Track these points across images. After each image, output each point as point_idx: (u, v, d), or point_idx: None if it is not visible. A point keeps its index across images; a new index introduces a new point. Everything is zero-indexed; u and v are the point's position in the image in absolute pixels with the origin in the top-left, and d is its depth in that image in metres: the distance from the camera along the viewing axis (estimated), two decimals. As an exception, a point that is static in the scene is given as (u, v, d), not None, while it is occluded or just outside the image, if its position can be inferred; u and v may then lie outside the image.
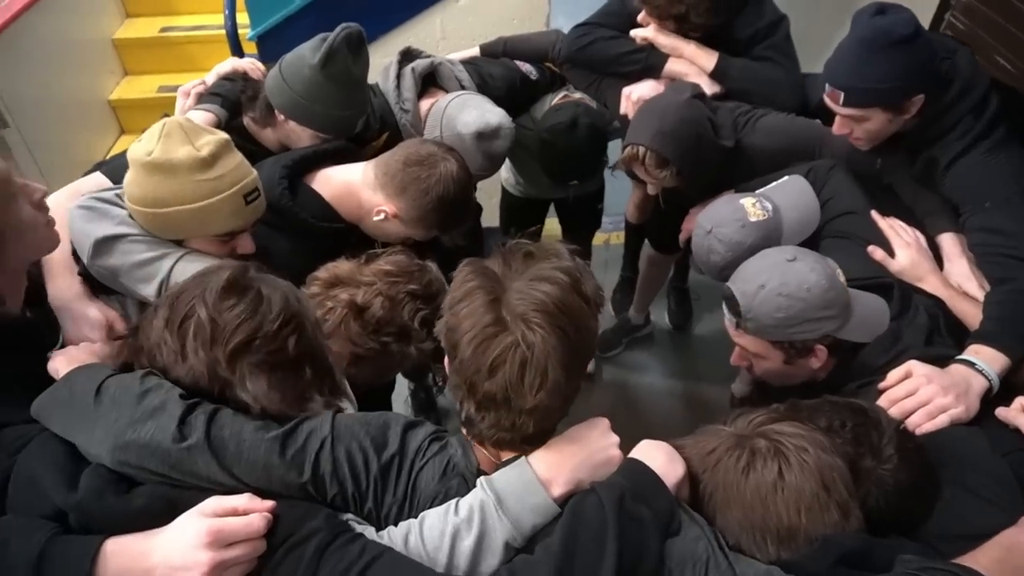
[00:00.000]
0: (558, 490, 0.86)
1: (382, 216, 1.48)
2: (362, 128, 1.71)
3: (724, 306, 1.37)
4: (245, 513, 0.82)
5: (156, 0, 3.27)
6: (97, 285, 1.28)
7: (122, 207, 1.27)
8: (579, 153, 1.92)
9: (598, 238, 3.09)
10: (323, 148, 1.57)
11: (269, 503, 0.84)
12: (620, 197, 2.69)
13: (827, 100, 1.42)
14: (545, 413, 0.87)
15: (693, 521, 0.87)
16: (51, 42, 2.81)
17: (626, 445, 0.95)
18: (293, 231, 1.45)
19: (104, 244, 1.23)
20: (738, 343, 1.38)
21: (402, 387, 2.56)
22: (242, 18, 2.31)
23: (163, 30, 3.20)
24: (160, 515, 0.83)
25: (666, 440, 0.96)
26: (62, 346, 1.18)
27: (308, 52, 1.52)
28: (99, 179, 1.40)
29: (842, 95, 1.38)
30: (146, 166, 1.20)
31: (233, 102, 1.62)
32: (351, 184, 1.51)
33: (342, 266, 1.30)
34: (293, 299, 0.96)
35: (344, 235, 1.50)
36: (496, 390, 0.85)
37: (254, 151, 1.57)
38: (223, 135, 1.28)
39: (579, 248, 0.94)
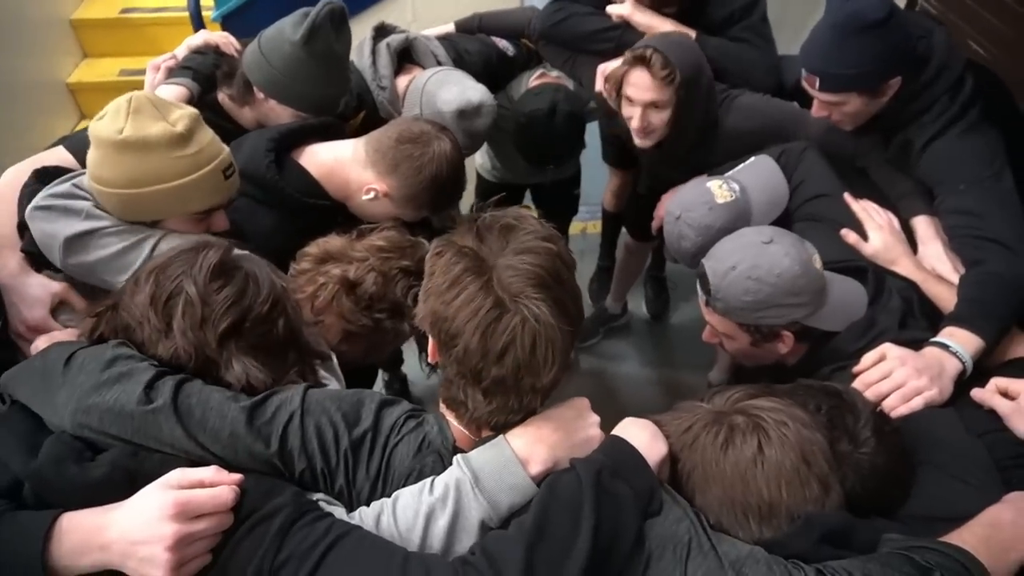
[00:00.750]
0: (536, 468, 0.84)
1: (372, 195, 1.44)
2: (340, 107, 1.66)
3: (697, 283, 1.36)
4: (212, 485, 0.78)
5: (116, -20, 3.16)
6: (43, 260, 1.22)
7: (84, 197, 1.20)
8: (557, 139, 1.90)
9: (575, 227, 3.08)
10: (310, 123, 1.52)
11: (237, 476, 0.80)
12: (597, 186, 2.67)
13: (804, 84, 1.41)
14: (554, 387, 0.87)
15: (675, 502, 0.85)
16: (5, 22, 2.70)
17: (605, 434, 0.92)
18: (277, 207, 1.41)
19: (75, 242, 1.17)
20: (708, 320, 1.38)
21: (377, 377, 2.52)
22: (206, 0, 2.23)
23: (123, 11, 3.08)
24: (121, 487, 0.79)
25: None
26: (4, 326, 1.13)
27: (289, 28, 1.47)
28: (61, 153, 1.35)
29: (818, 80, 1.37)
30: (118, 145, 1.14)
31: (206, 76, 1.56)
32: (341, 161, 1.47)
33: (333, 241, 1.28)
34: (277, 280, 0.96)
35: (330, 213, 1.46)
36: (507, 374, 0.83)
37: (229, 129, 1.53)
38: (192, 109, 1.23)
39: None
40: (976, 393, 1.14)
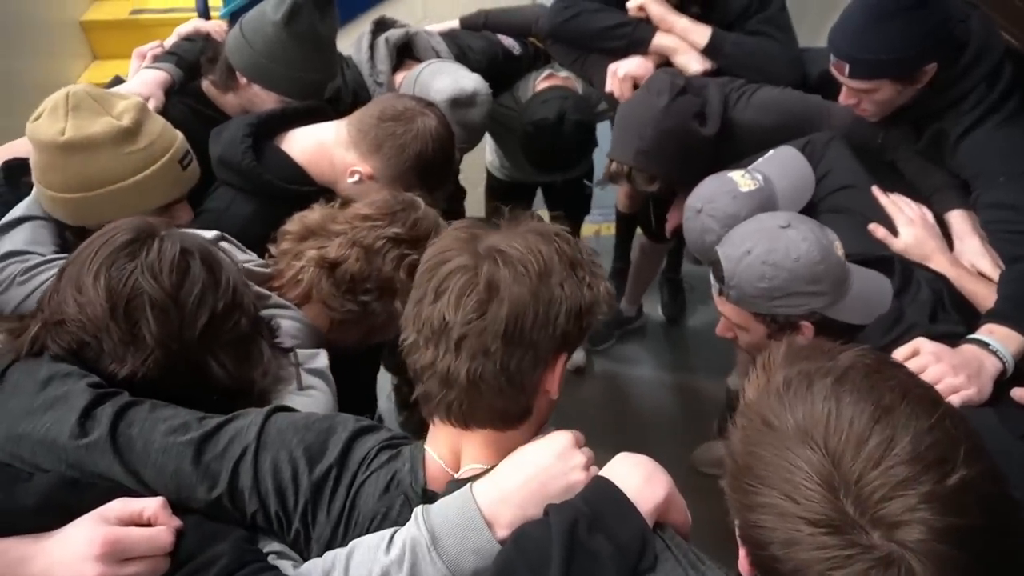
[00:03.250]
0: (502, 532, 0.72)
1: (356, 178, 1.37)
2: (332, 98, 1.60)
3: (710, 271, 1.30)
4: (151, 523, 0.70)
5: (127, -19, 3.16)
6: None
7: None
8: (565, 148, 1.84)
9: (588, 229, 3.02)
10: (293, 107, 1.46)
11: (178, 522, 0.72)
12: (610, 188, 2.62)
13: (833, 71, 1.33)
14: (477, 376, 0.74)
15: (677, 562, 0.70)
16: (14, 24, 2.70)
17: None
18: (257, 194, 1.35)
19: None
20: (722, 312, 1.32)
21: (385, 381, 2.47)
22: (214, 0, 2.21)
23: (133, 12, 3.08)
24: (53, 518, 0.71)
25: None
26: None
27: (271, 8, 1.42)
28: (28, 145, 1.28)
29: (847, 66, 1.29)
30: (61, 147, 1.08)
31: (190, 63, 1.52)
32: (323, 143, 1.40)
33: (313, 214, 1.15)
34: (224, 259, 0.88)
35: (315, 200, 1.37)
36: (434, 316, 0.74)
37: (214, 117, 1.48)
38: (136, 98, 1.16)
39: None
40: (1017, 392, 1.08)
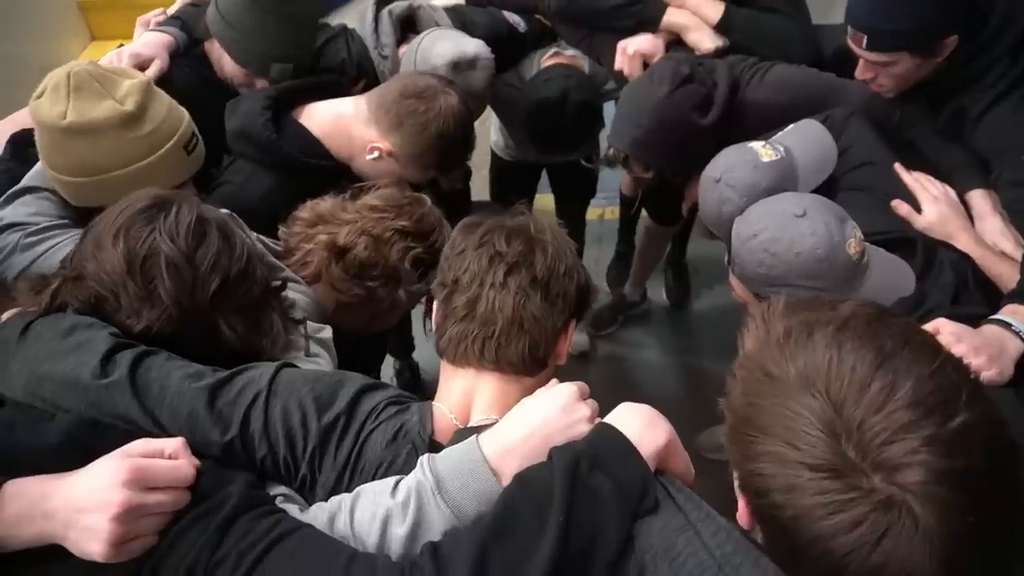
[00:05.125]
0: (507, 482, 0.73)
1: (375, 154, 1.36)
2: (336, 68, 1.59)
3: (726, 246, 1.30)
4: (174, 458, 0.71)
5: (125, -39, 3.11)
6: None
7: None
8: (569, 129, 1.81)
9: (592, 213, 2.99)
10: (310, 81, 1.45)
11: (196, 460, 0.74)
12: (615, 171, 2.58)
13: (850, 43, 1.30)
14: (521, 306, 0.85)
15: (678, 507, 0.71)
16: (12, 5, 2.67)
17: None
18: (276, 167, 1.34)
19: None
20: (731, 282, 1.31)
21: (387, 366, 2.46)
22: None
23: (132, -8, 3.04)
24: (75, 456, 0.72)
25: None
26: None
27: None
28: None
29: (865, 38, 1.25)
30: (63, 131, 1.05)
31: (195, 27, 1.49)
32: (342, 117, 1.39)
33: (324, 203, 1.19)
34: (241, 232, 0.93)
35: (333, 175, 1.38)
36: (483, 255, 0.88)
37: (219, 81, 1.47)
38: (142, 77, 1.13)
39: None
40: None
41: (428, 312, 0.96)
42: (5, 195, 1.14)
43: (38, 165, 1.18)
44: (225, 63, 1.48)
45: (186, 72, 1.45)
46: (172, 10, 1.57)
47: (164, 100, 1.15)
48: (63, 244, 1.07)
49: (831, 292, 1.15)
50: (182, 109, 1.19)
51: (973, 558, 0.54)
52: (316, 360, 1.03)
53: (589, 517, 0.68)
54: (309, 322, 1.07)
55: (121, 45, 1.54)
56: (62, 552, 0.68)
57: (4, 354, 0.82)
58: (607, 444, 0.72)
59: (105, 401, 0.78)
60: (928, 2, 1.21)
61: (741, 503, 0.67)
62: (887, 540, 0.54)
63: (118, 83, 1.09)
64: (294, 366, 0.87)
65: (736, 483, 0.67)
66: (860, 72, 1.34)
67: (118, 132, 1.07)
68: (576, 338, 3.00)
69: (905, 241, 1.25)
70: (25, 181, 1.16)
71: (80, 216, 1.13)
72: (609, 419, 0.76)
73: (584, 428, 0.76)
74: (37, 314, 0.86)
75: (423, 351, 2.50)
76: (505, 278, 0.86)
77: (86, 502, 0.67)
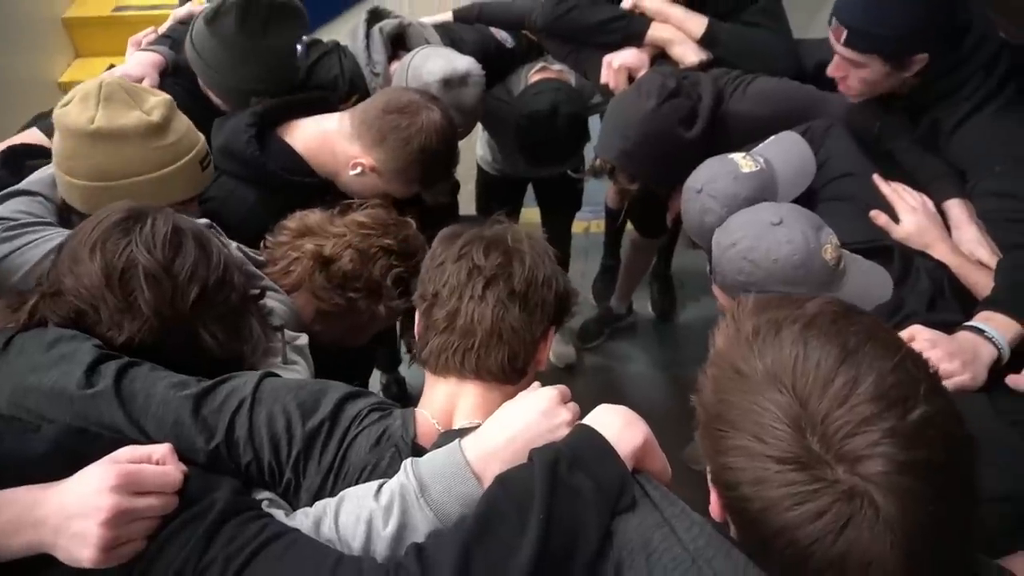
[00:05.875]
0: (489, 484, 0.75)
1: (359, 170, 1.37)
2: (328, 86, 1.60)
3: (707, 252, 1.32)
4: (161, 463, 0.72)
5: (109, -22, 3.12)
6: None
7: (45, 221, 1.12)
8: (559, 141, 1.83)
9: (578, 226, 3.01)
10: (297, 98, 1.47)
11: (184, 466, 0.75)
12: (600, 183, 2.60)
13: (830, 35, 1.33)
14: (499, 319, 0.87)
15: (654, 505, 0.72)
16: (-5, 20, 2.66)
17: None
18: (259, 184, 1.35)
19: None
20: (715, 292, 1.34)
21: (374, 380, 2.45)
22: (197, -6, 2.19)
23: (116, 9, 3.04)
24: (63, 465, 0.72)
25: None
26: None
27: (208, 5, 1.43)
28: (35, 135, 1.31)
29: (845, 33, 1.29)
30: (91, 136, 1.08)
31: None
32: (326, 134, 1.40)
33: (312, 216, 1.22)
34: (216, 241, 0.93)
35: (317, 191, 1.39)
36: (462, 268, 0.89)
37: (209, 98, 1.49)
38: (166, 96, 1.17)
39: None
40: (1012, 379, 1.08)
41: (404, 332, 0.98)
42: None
43: (36, 173, 1.19)
44: (210, 92, 1.50)
45: (176, 90, 1.45)
46: (162, 29, 1.60)
47: (184, 119, 1.19)
48: (42, 240, 1.07)
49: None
50: (199, 132, 1.23)
51: (933, 547, 0.56)
52: (293, 367, 1.05)
53: (569, 515, 0.69)
54: (286, 330, 1.09)
55: (111, 66, 1.56)
56: (53, 562, 0.68)
57: None
58: (586, 444, 0.74)
59: (91, 411, 0.79)
60: (911, 15, 1.24)
61: (713, 496, 0.69)
62: (850, 529, 0.56)
63: (145, 97, 1.14)
64: (277, 375, 0.88)
65: (708, 477, 0.68)
66: (832, 69, 1.37)
67: (142, 140, 1.11)
68: (563, 351, 3.01)
69: (883, 249, 1.28)
70: (22, 184, 1.17)
71: (68, 225, 1.13)
72: (588, 420, 0.78)
73: (565, 431, 0.77)
74: (16, 329, 0.86)
75: (409, 368, 2.50)
76: (483, 291, 0.88)
77: (76, 508, 0.67)
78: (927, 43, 1.26)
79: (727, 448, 0.62)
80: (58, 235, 1.07)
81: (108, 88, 1.10)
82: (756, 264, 1.18)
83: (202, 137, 1.23)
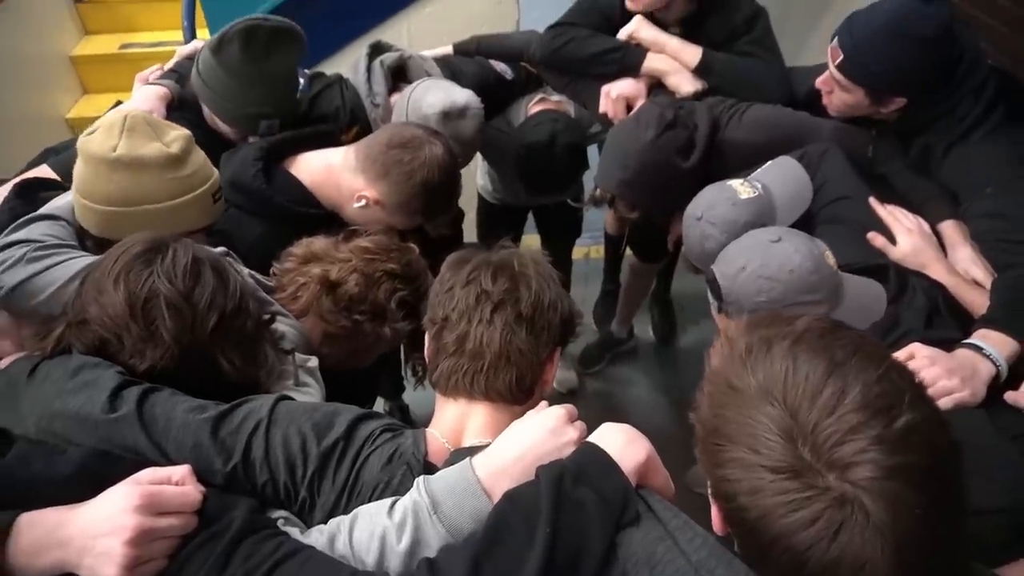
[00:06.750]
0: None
1: (363, 202, 1.41)
2: (330, 117, 1.65)
3: (708, 290, 1.32)
4: (180, 484, 0.75)
5: (115, 17, 3.19)
6: None
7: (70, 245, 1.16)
8: (558, 171, 1.87)
9: (578, 251, 3.03)
10: (303, 132, 1.51)
11: (203, 487, 0.78)
12: (599, 210, 2.63)
13: (828, 51, 1.38)
14: (508, 342, 0.90)
15: (657, 518, 0.74)
16: (6, 59, 2.72)
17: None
18: (266, 216, 1.39)
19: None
20: (721, 328, 1.33)
21: (377, 407, 2.45)
22: (202, 33, 2.24)
23: (123, 47, 3.11)
24: (87, 487, 0.75)
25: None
26: None
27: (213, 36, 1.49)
28: (47, 170, 1.34)
29: (841, 57, 1.35)
30: (111, 163, 1.13)
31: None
32: (331, 167, 1.44)
33: (318, 242, 1.26)
34: (232, 270, 0.97)
35: (322, 223, 1.42)
36: (470, 292, 0.92)
37: (215, 131, 1.53)
38: (186, 131, 1.22)
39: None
40: (1010, 396, 1.09)
41: (408, 357, 1.03)
42: (23, 219, 1.17)
43: (56, 200, 1.22)
44: (217, 121, 1.55)
45: (182, 123, 1.49)
46: (169, 65, 1.64)
47: (201, 154, 1.24)
48: (67, 262, 1.10)
49: (827, 303, 1.20)
50: (213, 167, 1.27)
51: (923, 550, 0.58)
52: (306, 389, 1.08)
53: (575, 528, 0.71)
54: (297, 353, 1.12)
55: (119, 102, 1.60)
56: None
57: (14, 395, 0.87)
58: (590, 460, 0.77)
59: (115, 435, 0.82)
60: (903, 58, 1.29)
61: (714, 510, 0.70)
62: (843, 534, 0.58)
63: (167, 131, 1.19)
64: (291, 398, 0.91)
65: (709, 491, 0.70)
66: (821, 81, 1.44)
67: (161, 170, 1.15)
68: (565, 376, 3.00)
69: (878, 269, 1.30)
70: (45, 209, 1.20)
71: (97, 252, 1.15)
72: (592, 438, 0.81)
73: (572, 449, 0.80)
74: (42, 357, 0.90)
75: (413, 392, 2.50)
76: (492, 315, 0.91)
77: (100, 528, 0.69)
78: (908, 89, 1.32)
79: (724, 461, 0.64)
80: (82, 257, 1.11)
81: (132, 120, 1.16)
82: (774, 279, 1.19)
83: (216, 172, 1.27)
